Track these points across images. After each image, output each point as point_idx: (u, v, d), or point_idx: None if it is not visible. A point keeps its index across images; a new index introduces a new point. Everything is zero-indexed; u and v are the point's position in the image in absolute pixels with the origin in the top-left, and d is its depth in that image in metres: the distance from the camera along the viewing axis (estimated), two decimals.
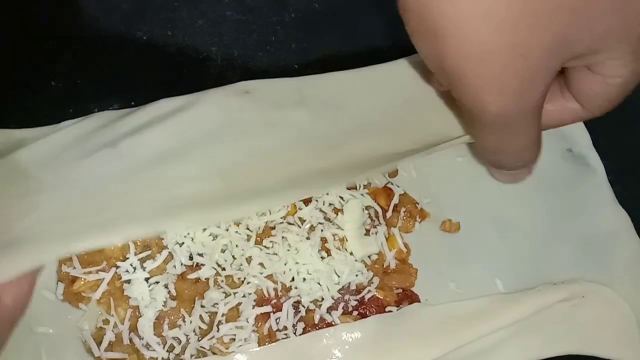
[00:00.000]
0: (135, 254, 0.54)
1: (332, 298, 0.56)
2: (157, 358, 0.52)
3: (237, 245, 0.56)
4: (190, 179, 0.54)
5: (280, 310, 0.54)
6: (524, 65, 0.42)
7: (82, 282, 0.53)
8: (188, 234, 0.55)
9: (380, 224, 0.60)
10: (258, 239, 0.57)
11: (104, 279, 0.53)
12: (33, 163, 0.54)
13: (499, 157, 0.55)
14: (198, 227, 0.55)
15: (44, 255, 0.46)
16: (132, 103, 0.61)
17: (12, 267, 0.44)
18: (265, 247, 0.56)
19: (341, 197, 0.59)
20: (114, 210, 0.50)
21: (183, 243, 0.55)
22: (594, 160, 0.68)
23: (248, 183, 0.55)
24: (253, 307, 0.54)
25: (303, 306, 0.55)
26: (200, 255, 0.55)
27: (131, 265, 0.54)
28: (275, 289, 0.55)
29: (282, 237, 0.57)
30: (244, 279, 0.55)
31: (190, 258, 0.55)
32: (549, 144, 0.67)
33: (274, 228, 0.57)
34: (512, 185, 0.65)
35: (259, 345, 0.53)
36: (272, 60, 0.66)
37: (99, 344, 0.52)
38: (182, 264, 0.55)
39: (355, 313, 0.56)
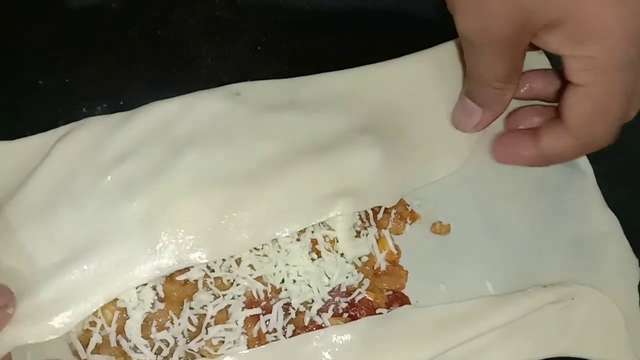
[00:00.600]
0: None
1: (323, 300, 0.56)
2: None
3: None
4: (184, 188, 0.55)
5: (270, 312, 0.54)
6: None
7: None
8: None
9: (370, 225, 0.59)
10: None
11: None
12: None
13: (469, 84, 0.59)
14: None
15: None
16: (121, 103, 0.60)
17: None
18: (255, 248, 0.56)
19: None
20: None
21: None
22: (583, 164, 0.68)
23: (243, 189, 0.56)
24: (242, 309, 0.54)
25: (293, 308, 0.55)
26: None
27: None
28: (265, 291, 0.55)
29: (273, 240, 0.56)
30: (234, 280, 0.55)
31: None
32: None
33: None
34: (503, 187, 0.65)
35: (248, 348, 0.53)
36: (263, 60, 0.66)
37: (85, 346, 0.51)
38: None
39: (345, 315, 0.56)
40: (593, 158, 0.68)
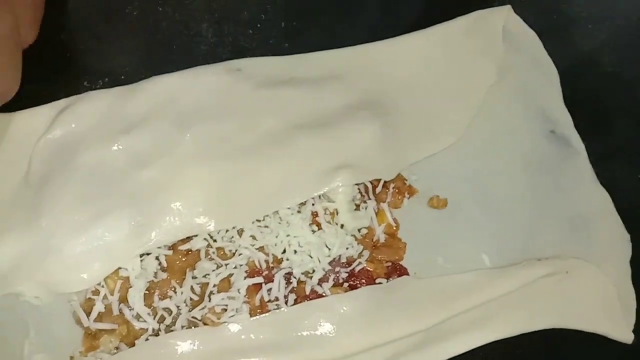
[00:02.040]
0: None
1: (323, 270, 0.56)
2: (147, 329, 0.52)
3: None
4: (190, 159, 0.55)
5: (272, 282, 0.54)
6: None
7: None
8: None
9: (370, 199, 0.60)
10: None
11: None
12: None
13: None
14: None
15: None
16: (122, 77, 0.61)
17: None
18: (257, 220, 0.57)
19: None
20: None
21: None
22: (576, 142, 0.70)
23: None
24: (245, 278, 0.54)
25: (294, 277, 0.55)
26: None
27: None
28: (267, 261, 0.55)
29: (274, 211, 0.57)
30: (236, 250, 0.55)
31: None
32: (533, 125, 0.70)
33: None
34: (499, 163, 0.66)
35: (251, 316, 0.53)
36: (262, 38, 0.66)
37: (88, 314, 0.51)
38: None
39: (345, 285, 0.57)
40: (585, 136, 0.70)
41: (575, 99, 0.72)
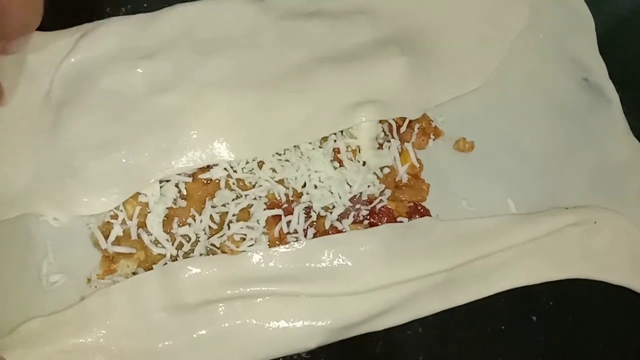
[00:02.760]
0: None
1: (344, 206, 0.55)
2: (165, 255, 0.51)
3: None
4: (212, 87, 0.54)
5: (291, 214, 0.53)
6: None
7: None
8: None
9: (393, 138, 0.59)
10: None
11: None
12: None
13: None
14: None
15: None
16: (145, 5, 0.60)
17: None
18: (277, 153, 0.55)
19: None
20: None
21: None
22: (609, 91, 0.67)
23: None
24: (264, 210, 0.53)
25: (314, 211, 0.54)
26: None
27: None
28: (287, 194, 0.54)
29: (295, 146, 0.56)
30: (255, 183, 0.54)
31: None
32: (566, 72, 0.68)
33: None
34: (528, 109, 0.65)
35: (269, 247, 0.52)
36: None
37: (106, 238, 0.51)
38: None
39: (365, 222, 0.55)
40: (620, 86, 0.67)
41: (611, 47, 0.69)
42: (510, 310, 0.58)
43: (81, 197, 0.51)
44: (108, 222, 0.52)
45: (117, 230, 0.51)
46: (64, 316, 0.49)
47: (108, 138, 0.52)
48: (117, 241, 0.52)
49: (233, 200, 0.53)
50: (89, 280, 0.51)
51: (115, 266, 0.51)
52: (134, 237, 0.51)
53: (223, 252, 0.52)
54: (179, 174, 0.53)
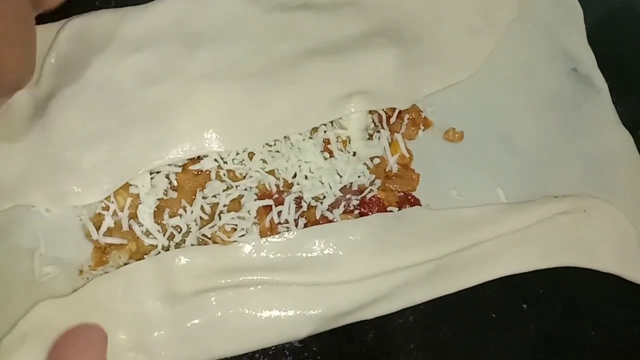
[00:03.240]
0: None
1: (334, 196, 0.55)
2: (156, 245, 0.52)
3: None
4: (201, 79, 0.54)
5: (282, 205, 0.54)
6: None
7: None
8: None
9: (383, 128, 0.59)
10: None
11: None
12: None
13: None
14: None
15: None
16: None
17: None
18: (267, 144, 0.56)
19: None
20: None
21: None
22: (598, 81, 0.68)
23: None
24: (255, 200, 0.53)
25: (305, 202, 0.55)
26: None
27: None
28: (277, 185, 0.55)
29: (285, 137, 0.56)
30: (246, 174, 0.55)
31: None
32: (555, 63, 0.68)
33: None
34: (517, 99, 0.65)
35: (261, 237, 0.52)
36: None
37: (97, 229, 0.51)
38: None
39: (356, 212, 0.56)
40: (608, 75, 0.68)
41: (599, 38, 0.70)
42: (501, 299, 0.59)
43: (72, 188, 0.51)
44: (99, 213, 0.52)
45: (108, 222, 0.51)
46: (60, 303, 0.49)
47: (98, 129, 0.52)
48: (109, 232, 0.52)
49: (224, 191, 0.54)
50: (81, 271, 0.51)
51: (106, 257, 0.51)
52: (125, 228, 0.52)
53: (214, 242, 0.52)
54: (169, 165, 0.53)
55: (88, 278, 0.50)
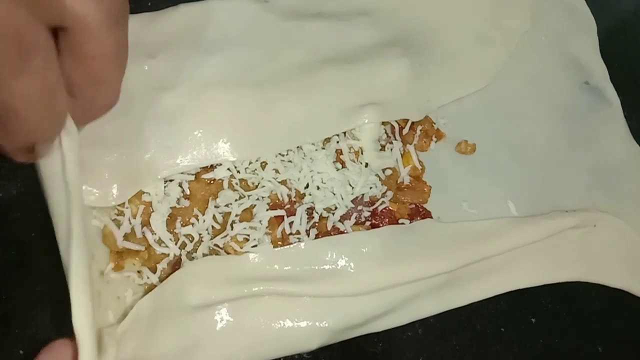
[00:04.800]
0: None
1: (346, 207, 0.55)
2: (168, 254, 0.52)
3: None
4: (214, 87, 0.54)
5: (294, 215, 0.54)
6: None
7: None
8: None
9: (396, 139, 0.59)
10: None
11: None
12: None
13: None
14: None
15: None
16: (149, 4, 0.60)
17: None
18: (280, 154, 0.56)
19: None
20: None
21: None
22: (610, 94, 0.68)
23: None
24: (267, 210, 0.53)
25: (317, 212, 0.55)
26: None
27: None
28: (289, 195, 0.55)
29: (298, 147, 0.56)
30: (258, 183, 0.55)
31: None
32: (567, 75, 0.68)
33: None
34: (530, 112, 0.65)
35: (272, 248, 0.52)
36: None
37: None
38: None
39: (367, 224, 0.56)
40: (620, 89, 0.68)
41: (612, 51, 0.70)
42: (510, 312, 0.59)
43: (91, 189, 0.50)
44: (115, 219, 0.52)
45: (125, 227, 0.51)
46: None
47: (113, 133, 0.51)
48: (125, 237, 0.51)
49: (236, 200, 0.53)
50: (101, 273, 0.51)
51: (123, 262, 0.51)
52: (138, 235, 0.52)
53: (227, 252, 0.52)
54: (182, 173, 0.53)
55: (107, 282, 0.50)
